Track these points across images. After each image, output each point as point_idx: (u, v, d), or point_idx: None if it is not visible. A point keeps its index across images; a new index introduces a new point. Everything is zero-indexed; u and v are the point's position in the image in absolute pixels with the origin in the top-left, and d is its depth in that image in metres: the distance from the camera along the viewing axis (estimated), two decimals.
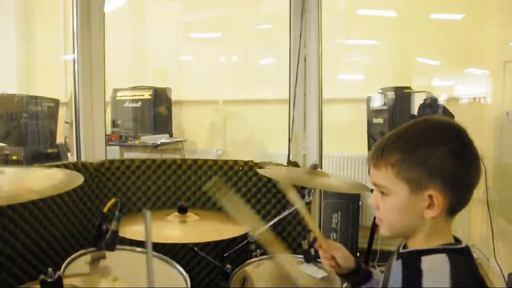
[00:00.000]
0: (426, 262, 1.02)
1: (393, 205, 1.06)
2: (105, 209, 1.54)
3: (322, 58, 2.43)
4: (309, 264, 1.90)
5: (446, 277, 0.95)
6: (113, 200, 1.55)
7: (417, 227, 1.06)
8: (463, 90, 3.76)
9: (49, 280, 1.03)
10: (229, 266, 1.93)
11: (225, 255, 2.13)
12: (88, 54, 2.39)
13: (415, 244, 1.09)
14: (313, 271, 1.88)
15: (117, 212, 1.52)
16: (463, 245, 1.05)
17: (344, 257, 1.38)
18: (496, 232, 3.14)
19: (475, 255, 1.15)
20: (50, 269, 1.04)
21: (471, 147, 1.02)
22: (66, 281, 1.10)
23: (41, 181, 1.23)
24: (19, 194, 1.07)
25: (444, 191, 1.00)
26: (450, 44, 3.69)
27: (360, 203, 3.58)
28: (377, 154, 1.07)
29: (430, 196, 1.00)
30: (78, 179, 1.28)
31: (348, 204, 3.58)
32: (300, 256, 1.99)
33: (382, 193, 1.08)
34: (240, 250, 2.23)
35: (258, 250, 2.05)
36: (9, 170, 1.30)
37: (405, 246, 1.14)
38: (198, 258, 2.41)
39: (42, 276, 1.03)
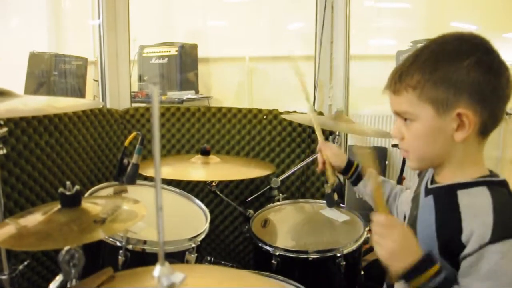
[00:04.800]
0: (464, 196, 0.95)
1: (419, 130, 0.99)
2: (126, 143, 1.54)
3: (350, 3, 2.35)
4: (332, 209, 1.89)
5: (489, 212, 0.89)
6: (134, 134, 1.54)
7: (448, 153, 0.99)
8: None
9: (68, 193, 1.04)
10: (251, 211, 1.93)
11: (247, 200, 2.13)
12: (113, 17, 2.38)
13: (446, 175, 1.02)
14: (335, 215, 1.86)
15: (138, 145, 1.52)
16: (501, 177, 0.99)
17: (334, 154, 1.50)
18: None
19: None
20: (68, 183, 1.04)
21: (498, 57, 0.95)
22: (86, 200, 1.11)
23: (65, 101, 1.25)
24: (43, 109, 1.08)
25: (474, 107, 0.92)
26: (488, 7, 3.52)
27: (386, 162, 3.52)
28: (395, 79, 1.00)
29: (459, 115, 0.93)
30: (97, 103, 1.28)
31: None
32: (322, 201, 1.98)
33: (406, 120, 1.01)
34: (263, 197, 2.23)
35: (280, 195, 2.05)
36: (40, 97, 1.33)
37: (433, 181, 1.07)
38: (221, 206, 2.42)
39: (61, 189, 1.04)
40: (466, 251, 0.88)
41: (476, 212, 0.91)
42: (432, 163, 1.05)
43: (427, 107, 0.96)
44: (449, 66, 0.93)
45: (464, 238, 0.90)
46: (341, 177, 1.69)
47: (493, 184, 0.96)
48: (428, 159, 1.03)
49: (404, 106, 1.00)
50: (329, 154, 1.51)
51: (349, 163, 1.50)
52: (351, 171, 1.50)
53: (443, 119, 0.95)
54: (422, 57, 0.98)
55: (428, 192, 1.06)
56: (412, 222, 1.10)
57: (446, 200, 0.99)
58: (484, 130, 0.97)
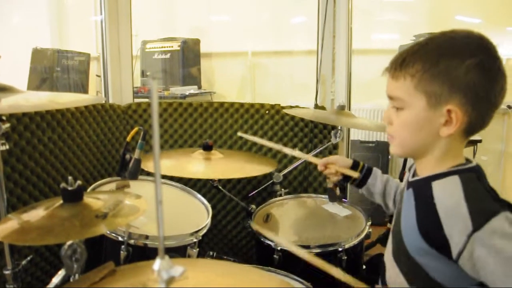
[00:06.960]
0: (438, 187, 0.98)
1: (408, 119, 1.01)
2: (128, 138, 1.54)
3: None
4: (334, 203, 1.89)
5: (462, 203, 0.91)
6: (136, 129, 1.54)
7: (430, 146, 1.02)
8: (506, 49, 3.57)
9: (70, 188, 1.05)
10: (253, 206, 1.94)
11: (249, 195, 2.13)
12: (116, 13, 2.38)
13: (425, 168, 1.05)
14: (338, 210, 1.86)
15: (140, 140, 1.52)
16: (473, 164, 1.02)
17: (342, 160, 1.45)
18: None
19: None
20: (70, 178, 1.05)
21: (500, 64, 0.96)
22: (88, 195, 1.11)
23: (67, 97, 1.25)
24: (45, 105, 1.09)
25: (465, 107, 0.95)
26: (492, 0, 3.50)
27: (389, 157, 3.52)
28: (397, 64, 1.02)
29: (449, 111, 0.95)
30: (100, 99, 1.28)
31: (378, 157, 3.52)
32: (324, 196, 1.98)
33: (397, 108, 1.04)
34: (265, 192, 2.23)
35: (283, 190, 2.05)
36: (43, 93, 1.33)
37: (414, 175, 1.10)
38: (224, 201, 2.43)
39: (63, 184, 1.05)
40: (458, 246, 0.90)
41: (450, 204, 0.93)
42: (413, 152, 1.07)
43: (421, 98, 0.98)
44: (450, 62, 0.94)
45: (447, 232, 0.92)
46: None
47: (464, 171, 0.99)
48: (410, 148, 1.06)
49: (398, 92, 1.02)
50: (335, 158, 1.46)
51: (355, 162, 1.44)
52: (359, 168, 1.43)
53: (433, 112, 0.98)
54: (427, 48, 0.99)
55: (409, 185, 1.10)
56: (397, 216, 1.13)
57: (422, 192, 1.02)
58: (470, 130, 1.00)
